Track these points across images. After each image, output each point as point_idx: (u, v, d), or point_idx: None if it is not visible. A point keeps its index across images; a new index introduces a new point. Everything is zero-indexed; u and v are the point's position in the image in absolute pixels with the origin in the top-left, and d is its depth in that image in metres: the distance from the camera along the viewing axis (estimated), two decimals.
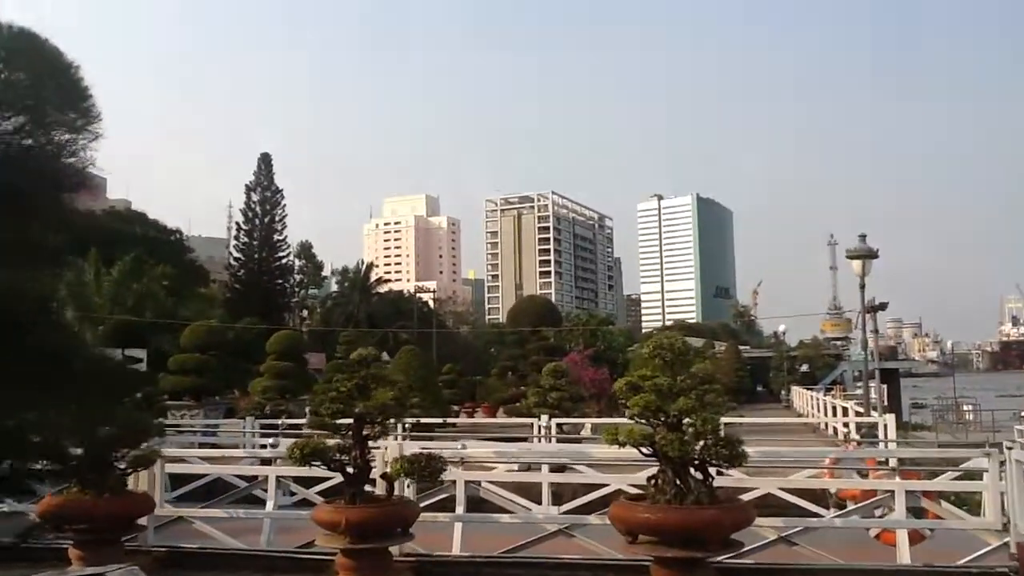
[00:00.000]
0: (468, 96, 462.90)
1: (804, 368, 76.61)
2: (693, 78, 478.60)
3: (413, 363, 25.30)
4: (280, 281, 74.41)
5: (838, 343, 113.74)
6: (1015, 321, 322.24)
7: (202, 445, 21.01)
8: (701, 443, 7.60)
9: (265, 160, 69.77)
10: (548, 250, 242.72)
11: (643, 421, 7.82)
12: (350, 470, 8.23)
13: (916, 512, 9.20)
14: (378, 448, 9.18)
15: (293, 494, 11.09)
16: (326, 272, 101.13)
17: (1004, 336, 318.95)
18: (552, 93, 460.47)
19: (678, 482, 7.51)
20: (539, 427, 18.22)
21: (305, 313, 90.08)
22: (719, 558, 7.53)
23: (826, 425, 27.26)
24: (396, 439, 18.02)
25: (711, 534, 7.18)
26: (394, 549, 8.64)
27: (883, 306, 23.18)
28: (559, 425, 19.82)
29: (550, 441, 16.69)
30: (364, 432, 8.32)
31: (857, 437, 15.35)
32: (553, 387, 22.83)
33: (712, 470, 7.59)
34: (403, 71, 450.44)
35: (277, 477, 10.72)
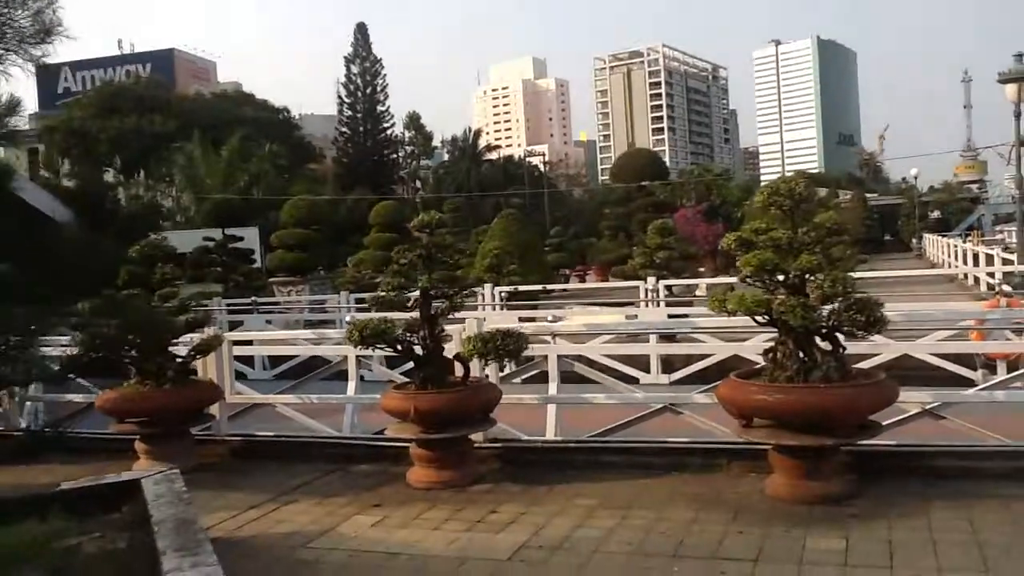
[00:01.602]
0: None
1: (936, 214, 72.05)
2: None
3: (513, 227, 23.99)
4: (387, 153, 73.90)
5: (974, 187, 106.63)
6: None
7: (307, 323, 20.77)
8: (829, 307, 6.27)
9: (361, 30, 68.22)
10: (660, 106, 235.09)
11: (758, 283, 6.52)
12: (419, 351, 7.28)
13: None
14: (458, 324, 8.22)
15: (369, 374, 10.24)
16: (436, 143, 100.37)
17: None
18: None
19: (802, 355, 6.24)
20: (645, 290, 16.91)
21: (418, 184, 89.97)
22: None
23: (966, 276, 24.85)
24: (491, 309, 17.26)
25: (843, 417, 5.92)
26: (477, 436, 7.76)
27: None
28: (668, 287, 18.47)
29: (657, 305, 15.45)
30: (432, 308, 7.31)
31: (1009, 288, 13.44)
32: (660, 246, 21.24)
33: (843, 338, 6.29)
34: None
35: (358, 357, 9.87)
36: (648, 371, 13.36)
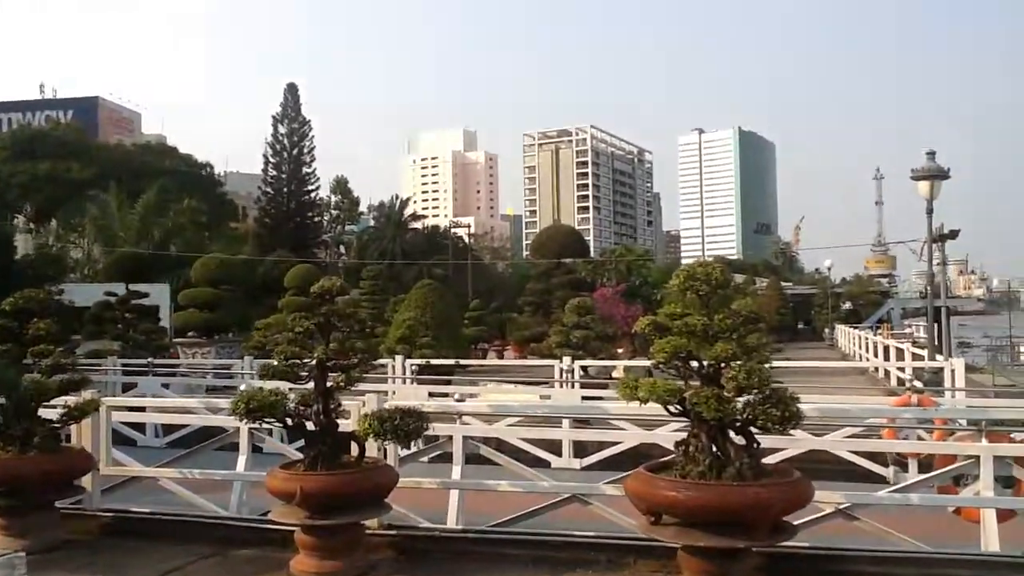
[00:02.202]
0: (505, 29, 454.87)
1: (847, 306, 74.13)
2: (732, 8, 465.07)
3: (430, 298, 23.41)
4: (311, 215, 73.10)
5: (883, 281, 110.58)
6: None
7: (209, 389, 19.81)
8: (744, 399, 5.98)
9: (292, 90, 67.83)
10: (587, 185, 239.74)
11: (671, 371, 6.22)
12: (311, 427, 6.75)
13: (1006, 482, 7.53)
14: (361, 398, 7.74)
15: (258, 449, 9.59)
16: (363, 208, 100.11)
17: None
18: (591, 27, 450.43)
19: (715, 449, 5.92)
20: (560, 370, 16.57)
21: (342, 249, 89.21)
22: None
23: (877, 369, 25.20)
24: (401, 382, 16.71)
25: (756, 518, 5.57)
26: (372, 522, 7.22)
27: (954, 234, 20.68)
28: (584, 368, 18.19)
29: (572, 386, 15.11)
30: (329, 380, 6.82)
31: (919, 384, 13.49)
32: (577, 325, 21.01)
33: (757, 433, 6.00)
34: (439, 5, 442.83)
35: (251, 429, 9.23)
36: (560, 454, 12.96)
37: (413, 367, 17.61)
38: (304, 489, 6.34)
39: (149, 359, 19.65)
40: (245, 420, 6.62)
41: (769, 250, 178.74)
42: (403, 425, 6.53)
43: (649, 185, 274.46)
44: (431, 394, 13.33)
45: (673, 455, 6.15)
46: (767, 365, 6.06)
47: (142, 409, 12.26)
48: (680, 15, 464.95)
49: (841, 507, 7.02)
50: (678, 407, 5.95)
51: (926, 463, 11.27)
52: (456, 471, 8.31)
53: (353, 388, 7.11)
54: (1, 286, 21.15)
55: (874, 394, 14.90)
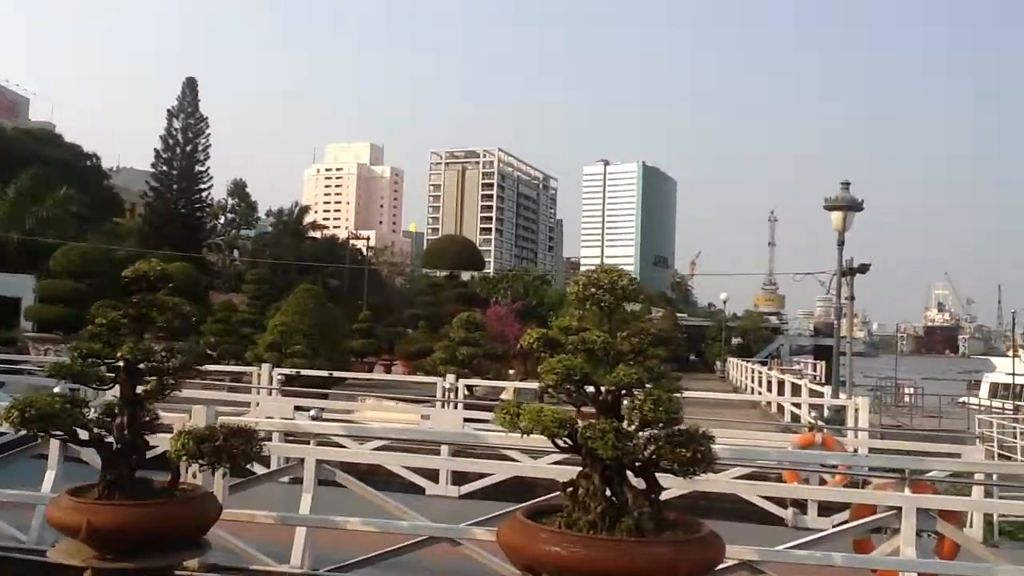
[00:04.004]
0: (419, 47, 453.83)
1: (738, 340, 75.24)
2: (644, 47, 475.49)
3: (309, 304, 21.67)
4: (202, 216, 69.89)
5: (772, 318, 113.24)
6: (940, 307, 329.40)
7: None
8: (647, 434, 4.92)
9: (191, 85, 64.72)
10: (491, 207, 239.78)
11: (562, 396, 5.12)
12: (111, 445, 5.39)
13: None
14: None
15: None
16: (261, 214, 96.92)
17: (929, 321, 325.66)
18: (504, 53, 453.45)
19: (609, 494, 4.83)
20: (442, 388, 15.32)
21: (236, 253, 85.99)
22: None
23: (769, 404, 24.76)
24: (268, 393, 15.19)
25: None
26: (192, 562, 5.88)
27: (864, 268, 20.32)
28: (469, 387, 16.98)
29: (455, 407, 13.90)
30: (138, 389, 5.47)
31: (821, 423, 12.85)
32: (464, 341, 19.79)
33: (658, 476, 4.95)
34: (359, 16, 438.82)
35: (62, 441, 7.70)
36: (437, 480, 11.75)
37: (280, 377, 16.08)
38: (92, 523, 4.98)
39: None
40: (23, 430, 5.19)
41: (666, 283, 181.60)
42: (227, 447, 5.23)
43: (552, 211, 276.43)
44: (297, 408, 11.94)
45: (559, 494, 5.06)
46: (676, 395, 5.04)
47: None
48: (595, 48, 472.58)
49: (749, 561, 6.02)
50: (567, 441, 4.85)
51: (825, 505, 10.57)
52: (306, 501, 6.98)
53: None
54: None
55: (769, 430, 14.20)
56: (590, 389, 4.99)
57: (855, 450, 11.80)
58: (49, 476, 7.51)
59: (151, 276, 5.54)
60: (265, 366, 16.48)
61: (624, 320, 5.69)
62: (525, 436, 5.02)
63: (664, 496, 5.08)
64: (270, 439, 8.02)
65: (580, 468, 4.94)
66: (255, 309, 33.25)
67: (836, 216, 18.62)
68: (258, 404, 12.86)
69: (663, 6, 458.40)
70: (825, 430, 11.95)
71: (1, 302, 28.14)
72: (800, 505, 10.77)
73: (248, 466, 6.60)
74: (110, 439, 5.37)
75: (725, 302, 70.51)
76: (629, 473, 4.94)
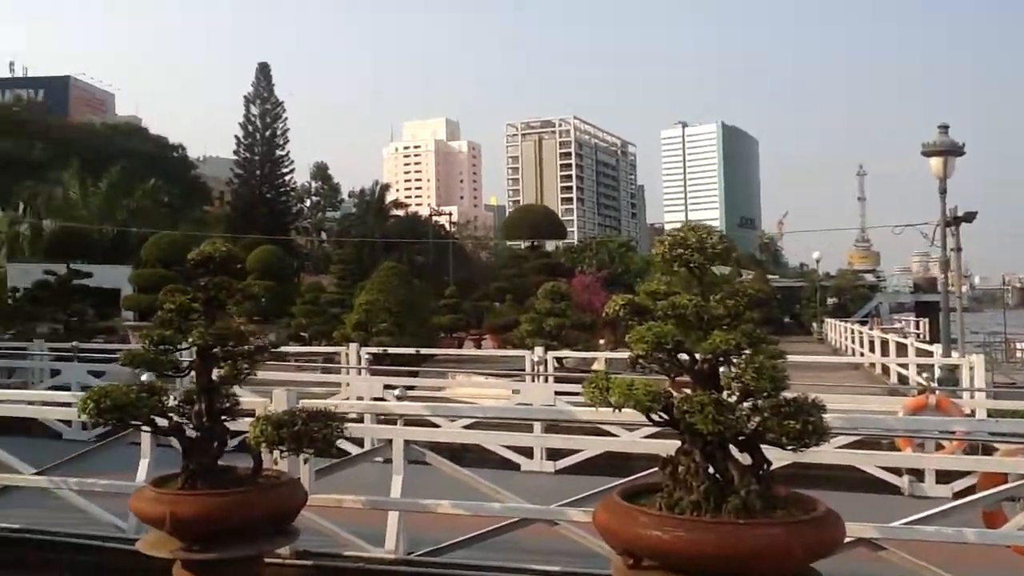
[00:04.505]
0: (491, 18, 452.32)
1: (834, 300, 72.95)
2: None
3: (394, 282, 21.59)
4: (286, 200, 71.05)
5: (868, 276, 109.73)
6: None
7: None
8: (749, 404, 4.53)
9: (264, 70, 65.62)
10: (570, 176, 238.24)
11: (654, 366, 4.75)
12: (190, 434, 5.26)
13: None
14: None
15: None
16: (344, 195, 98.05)
17: None
18: (578, 17, 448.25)
19: (712, 470, 4.47)
20: (531, 361, 15.03)
21: (323, 235, 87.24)
22: None
23: (873, 365, 23.73)
24: (356, 372, 15.16)
25: (772, 567, 4.12)
26: (284, 549, 5.76)
27: (970, 216, 19.01)
28: (559, 359, 16.65)
29: (545, 380, 13.61)
30: (215, 374, 5.32)
31: (933, 384, 12.06)
32: (551, 312, 19.47)
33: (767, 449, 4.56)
34: None
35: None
36: (532, 456, 11.49)
37: (368, 356, 16.03)
38: (175, 514, 4.86)
39: (73, 343, 17.81)
40: (93, 419, 5.09)
41: (753, 244, 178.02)
42: (306, 432, 5.04)
43: (633, 177, 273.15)
44: (387, 387, 11.82)
45: (654, 479, 4.72)
46: (780, 361, 4.62)
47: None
48: (664, 9, 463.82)
49: (869, 538, 5.57)
50: (662, 415, 4.49)
51: (942, 471, 9.92)
52: (396, 483, 6.79)
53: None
54: None
55: (877, 393, 13.47)
56: (684, 358, 4.63)
57: (973, 412, 11.11)
58: (143, 465, 7.48)
59: (217, 258, 5.35)
60: (353, 345, 16.47)
61: (715, 283, 5.31)
62: (617, 411, 4.70)
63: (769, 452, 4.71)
64: (361, 420, 7.85)
65: (679, 443, 4.59)
66: (342, 289, 33.56)
67: (936, 162, 17.50)
68: (347, 384, 12.83)
69: None
70: (938, 392, 11.26)
71: (101, 293, 28.97)
72: (916, 472, 10.15)
73: (337, 447, 6.46)
74: (189, 427, 5.24)
75: (818, 261, 68.42)
76: (732, 448, 4.58)
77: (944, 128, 17.84)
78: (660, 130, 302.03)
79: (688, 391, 4.51)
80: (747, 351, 4.63)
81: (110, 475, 7.72)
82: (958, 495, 9.42)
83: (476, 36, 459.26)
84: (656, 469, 4.85)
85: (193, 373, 5.43)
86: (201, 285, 5.33)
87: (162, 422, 5.34)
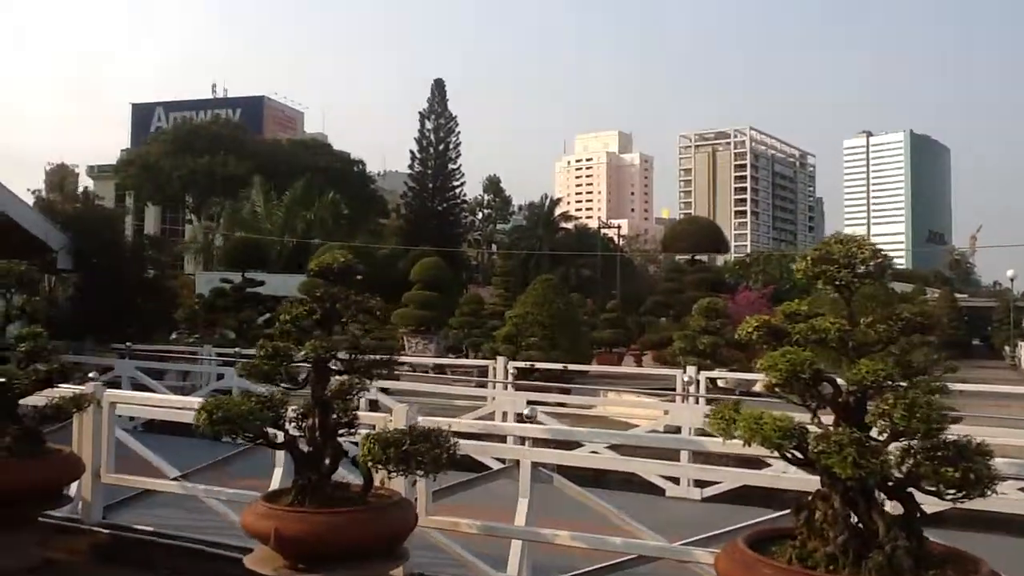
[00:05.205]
0: (664, 31, 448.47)
1: None
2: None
3: (548, 295, 21.31)
4: (457, 212, 72.70)
5: None
6: None
7: None
8: (902, 445, 3.95)
9: (439, 86, 67.51)
10: (744, 188, 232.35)
11: (793, 396, 4.24)
12: (304, 448, 5.15)
13: None
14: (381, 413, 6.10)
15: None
16: (514, 208, 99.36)
17: None
18: (751, 28, 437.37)
19: (854, 519, 3.91)
20: (682, 381, 14.38)
21: (494, 247, 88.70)
22: None
23: None
24: (503, 387, 15.00)
25: None
26: (397, 571, 5.58)
27: None
28: (711, 380, 15.90)
29: (696, 401, 12.96)
30: (330, 388, 5.19)
31: None
32: (705, 329, 18.72)
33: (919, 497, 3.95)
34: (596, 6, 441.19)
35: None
36: (678, 481, 10.94)
37: (513, 371, 15.87)
38: (280, 531, 4.75)
39: (236, 349, 18.54)
40: (211, 432, 5.05)
41: (942, 261, 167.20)
42: (416, 452, 4.82)
43: (811, 190, 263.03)
44: (530, 402, 11.57)
45: (785, 523, 4.20)
46: (940, 397, 4.02)
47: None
48: (845, 14, 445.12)
49: None
50: (797, 454, 3.98)
51: None
52: (521, 507, 6.47)
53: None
54: (105, 264, 21.48)
55: None
56: (826, 388, 4.11)
57: None
58: (277, 474, 7.50)
59: (336, 268, 5.24)
60: (500, 359, 16.38)
61: (875, 303, 4.74)
62: (746, 446, 4.22)
63: (930, 508, 4.10)
64: (504, 440, 7.62)
65: (816, 490, 4.06)
66: (502, 301, 33.78)
67: None
68: (493, 398, 12.71)
69: None
70: None
71: (274, 301, 30.43)
72: None
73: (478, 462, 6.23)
74: (305, 443, 5.14)
75: (1012, 279, 63.23)
76: (880, 494, 4.01)
77: None
78: (842, 140, 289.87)
79: (827, 429, 3.99)
80: (901, 383, 4.07)
81: (253, 481, 7.82)
82: None
83: (652, 46, 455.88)
84: (787, 518, 4.33)
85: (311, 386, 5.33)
86: (318, 296, 5.23)
87: (280, 436, 5.26)
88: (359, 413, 5.58)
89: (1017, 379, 35.02)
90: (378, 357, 5.36)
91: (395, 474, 4.94)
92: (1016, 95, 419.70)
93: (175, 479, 7.22)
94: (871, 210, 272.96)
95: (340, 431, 5.32)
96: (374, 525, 4.98)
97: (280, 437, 5.28)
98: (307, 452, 5.12)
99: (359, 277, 5.45)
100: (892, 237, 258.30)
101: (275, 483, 7.50)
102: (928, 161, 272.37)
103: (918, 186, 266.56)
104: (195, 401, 6.55)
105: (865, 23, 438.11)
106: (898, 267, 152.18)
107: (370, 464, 4.85)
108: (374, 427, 5.91)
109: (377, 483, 5.32)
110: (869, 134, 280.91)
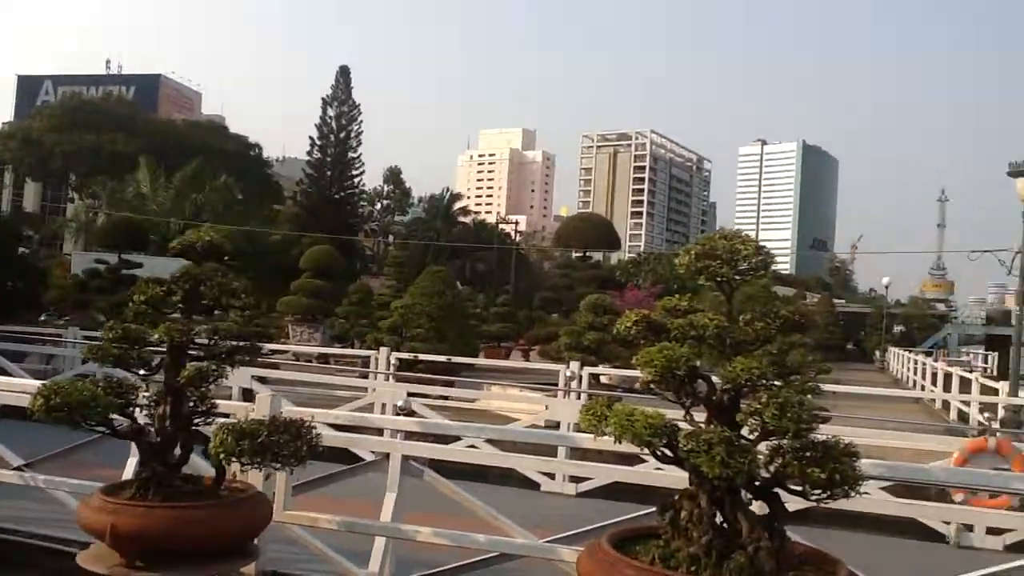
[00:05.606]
0: (569, 30, 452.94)
1: (900, 328, 70.54)
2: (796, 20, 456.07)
3: (436, 287, 20.93)
4: (355, 202, 71.58)
5: (940, 305, 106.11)
6: None
7: None
8: (771, 444, 3.88)
9: (344, 73, 66.17)
10: (642, 190, 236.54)
11: (667, 393, 4.13)
12: (152, 438, 4.79)
13: None
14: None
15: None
16: (414, 200, 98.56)
17: None
18: (655, 32, 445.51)
19: (719, 519, 3.82)
20: (564, 376, 14.37)
21: (391, 238, 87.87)
22: None
23: (934, 400, 22.32)
24: (384, 378, 14.70)
25: None
26: (249, 567, 5.26)
27: None
28: (595, 376, 15.95)
29: (578, 397, 12.98)
30: (181, 374, 4.84)
31: (994, 425, 11.04)
32: (591, 325, 18.88)
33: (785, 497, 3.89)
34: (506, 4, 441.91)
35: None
36: (554, 477, 10.87)
37: (395, 362, 15.56)
38: (116, 526, 4.37)
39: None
40: (44, 417, 4.63)
41: (823, 267, 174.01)
42: (273, 444, 4.52)
43: (706, 194, 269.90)
44: (411, 394, 11.32)
45: (649, 521, 4.09)
46: (811, 397, 3.96)
47: None
48: (750, 28, 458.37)
49: None
50: (667, 452, 3.86)
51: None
52: (388, 502, 6.21)
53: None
54: None
55: (933, 431, 12.48)
56: (696, 388, 4.01)
57: None
58: (130, 464, 7.04)
59: (199, 247, 4.88)
60: (384, 350, 16.04)
61: (756, 302, 4.68)
62: (617, 443, 4.08)
63: (794, 506, 4.05)
64: (381, 432, 7.31)
65: (683, 489, 3.96)
66: (393, 292, 33.28)
67: (1021, 183, 16.35)
68: (374, 390, 12.39)
69: None
70: (999, 434, 10.32)
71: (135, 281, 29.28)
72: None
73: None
74: (151, 432, 4.77)
75: (887, 287, 66.20)
76: (747, 494, 3.94)
77: None
78: (736, 148, 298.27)
79: (698, 428, 3.89)
80: (775, 382, 4.00)
81: (109, 471, 7.32)
82: (1011, 548, 8.55)
83: (559, 46, 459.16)
84: (650, 523, 4.22)
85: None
86: (177, 276, 4.86)
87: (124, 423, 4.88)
88: (220, 402, 5.24)
89: (886, 382, 36.68)
90: (241, 343, 5.02)
91: (248, 467, 4.63)
92: (901, 115, 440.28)
93: (16, 468, 6.69)
94: (761, 216, 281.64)
95: (196, 420, 4.97)
96: (222, 520, 4.64)
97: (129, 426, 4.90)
98: (155, 442, 4.75)
99: (227, 258, 5.11)
100: (779, 243, 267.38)
101: (127, 473, 7.04)
102: (817, 171, 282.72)
103: (806, 194, 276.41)
104: (32, 384, 6.05)
105: (762, 36, 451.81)
106: (783, 272, 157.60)
107: (222, 456, 4.52)
108: (227, 414, 5.58)
109: (233, 475, 5.01)
110: (764, 142, 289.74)
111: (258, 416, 5.34)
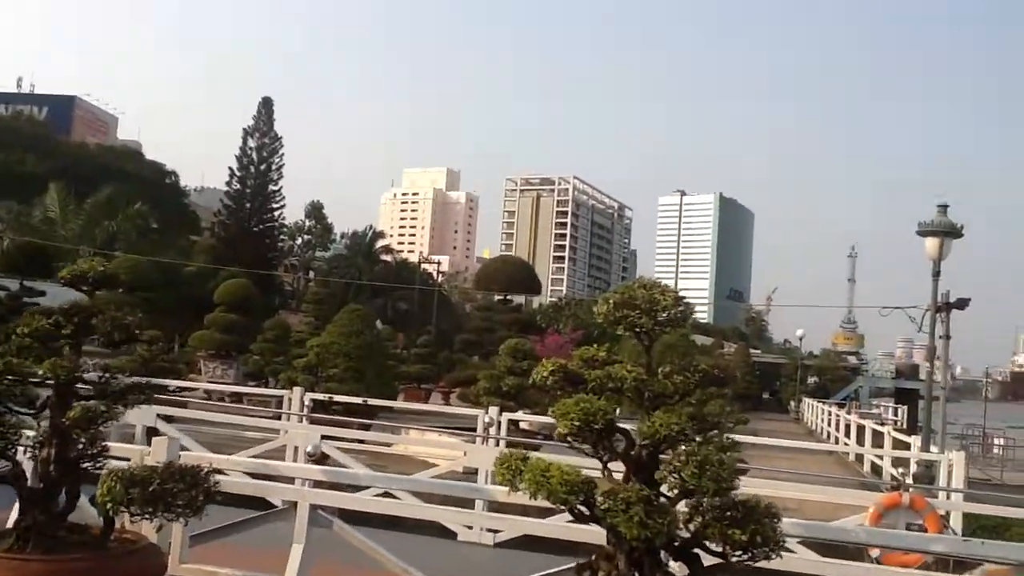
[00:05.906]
0: (493, 74, 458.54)
1: (814, 379, 72.29)
2: (719, 79, 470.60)
3: (355, 325, 20.56)
4: (275, 236, 70.33)
5: (851, 358, 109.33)
6: None
7: None
8: (691, 503, 3.76)
9: (267, 104, 65.23)
10: (564, 235, 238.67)
11: (585, 447, 3.99)
12: (33, 484, 4.43)
13: None
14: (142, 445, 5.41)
15: None
16: (336, 236, 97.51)
17: (1017, 367, 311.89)
18: (582, 83, 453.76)
19: None
20: (483, 422, 14.13)
21: (311, 273, 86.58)
22: None
23: (847, 452, 22.73)
24: (298, 420, 14.24)
25: None
26: None
27: (963, 303, 18.22)
28: (514, 422, 15.77)
29: (497, 444, 12.73)
30: (68, 415, 4.50)
31: (908, 480, 11.25)
32: (511, 370, 18.83)
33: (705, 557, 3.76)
34: (430, 44, 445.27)
35: None
36: (471, 527, 10.58)
37: (309, 403, 15.13)
38: None
39: None
40: None
41: (740, 317, 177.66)
42: (167, 492, 4.22)
43: (627, 241, 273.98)
44: (324, 437, 10.95)
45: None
46: (733, 454, 3.86)
47: None
48: (671, 81, 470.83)
49: None
50: (584, 510, 3.71)
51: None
52: (295, 554, 5.89)
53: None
54: None
55: (849, 485, 12.64)
56: (616, 443, 3.88)
57: (948, 514, 10.31)
58: (15, 511, 6.57)
59: (91, 278, 4.58)
60: (297, 390, 15.58)
61: (675, 353, 4.60)
62: (532, 499, 3.91)
63: (710, 561, 3.92)
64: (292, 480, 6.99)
65: (601, 548, 3.81)
66: (311, 329, 32.60)
67: (931, 243, 16.79)
68: (286, 432, 11.95)
69: (735, 32, 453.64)
70: (912, 489, 10.48)
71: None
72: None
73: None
74: (29, 477, 4.42)
75: (801, 339, 67.82)
76: (666, 554, 3.81)
77: (943, 208, 17.20)
78: (657, 197, 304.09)
79: (616, 486, 3.75)
80: (695, 438, 3.90)
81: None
82: None
83: (481, 89, 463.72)
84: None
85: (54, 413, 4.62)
86: (66, 309, 4.54)
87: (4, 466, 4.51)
88: (115, 444, 4.92)
89: (801, 432, 37.34)
90: (135, 380, 4.71)
91: (138, 517, 4.31)
92: (813, 169, 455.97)
93: None
94: (680, 265, 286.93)
95: (83, 464, 4.64)
96: (108, 575, 4.32)
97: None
98: (36, 488, 4.40)
99: (133, 289, 4.81)
100: (697, 292, 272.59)
101: (9, 522, 6.58)
102: (734, 223, 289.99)
103: (723, 245, 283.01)
104: None
105: (686, 92, 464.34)
106: (701, 321, 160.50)
107: (109, 505, 4.19)
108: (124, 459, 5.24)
109: (122, 526, 4.67)
110: (683, 193, 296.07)
111: (154, 461, 5.02)
